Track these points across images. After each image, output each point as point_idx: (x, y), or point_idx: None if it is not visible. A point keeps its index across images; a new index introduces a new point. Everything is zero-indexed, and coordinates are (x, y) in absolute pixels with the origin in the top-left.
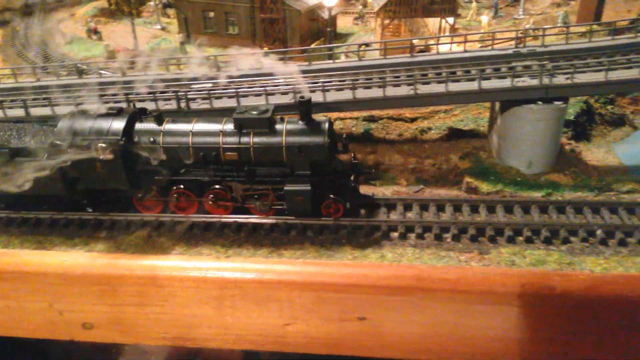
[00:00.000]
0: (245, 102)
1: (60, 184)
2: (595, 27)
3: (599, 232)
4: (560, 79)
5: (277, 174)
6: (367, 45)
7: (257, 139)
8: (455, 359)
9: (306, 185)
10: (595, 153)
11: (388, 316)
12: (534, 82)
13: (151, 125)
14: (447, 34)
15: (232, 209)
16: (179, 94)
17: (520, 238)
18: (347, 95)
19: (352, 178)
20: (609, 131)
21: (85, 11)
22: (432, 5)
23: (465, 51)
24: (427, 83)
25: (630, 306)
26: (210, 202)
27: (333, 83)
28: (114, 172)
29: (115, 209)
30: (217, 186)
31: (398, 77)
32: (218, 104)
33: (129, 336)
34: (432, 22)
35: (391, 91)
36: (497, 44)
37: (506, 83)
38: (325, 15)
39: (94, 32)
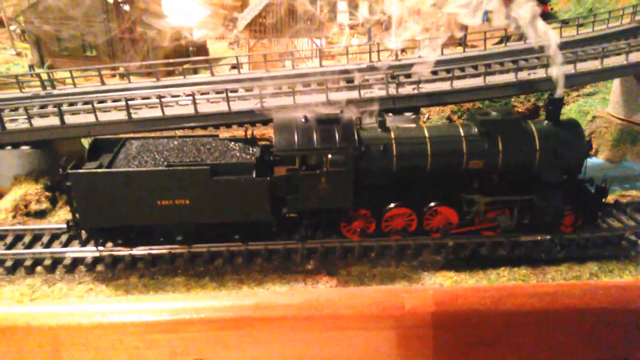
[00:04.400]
0: None
1: (267, 207)
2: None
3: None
4: (408, 89)
5: (519, 183)
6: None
7: (507, 144)
8: None
9: (559, 194)
10: None
11: (229, 355)
12: (382, 92)
13: (378, 133)
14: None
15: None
16: None
17: (372, 254)
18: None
19: (603, 185)
20: None
21: None
22: (297, 25)
23: (321, 66)
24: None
25: (483, 319)
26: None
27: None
28: (339, 188)
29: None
30: (433, 204)
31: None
32: None
33: None
34: (302, 44)
35: (239, 105)
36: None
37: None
38: (191, 36)
39: None
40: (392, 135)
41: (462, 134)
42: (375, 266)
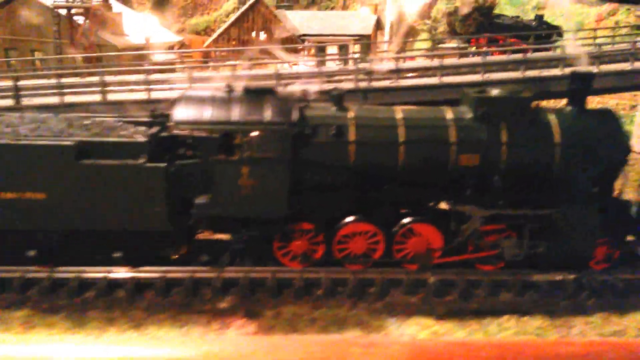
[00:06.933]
0: None
1: (163, 210)
2: None
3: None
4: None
5: (532, 193)
6: None
7: (513, 134)
8: None
9: (591, 212)
10: None
11: None
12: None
13: (331, 111)
14: None
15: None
16: None
17: (320, 291)
18: None
19: None
20: None
21: None
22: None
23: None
24: None
25: None
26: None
27: None
28: (268, 186)
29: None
30: (407, 219)
31: None
32: None
33: None
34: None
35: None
36: None
37: None
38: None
39: None
40: (351, 115)
41: (451, 116)
42: (318, 307)
